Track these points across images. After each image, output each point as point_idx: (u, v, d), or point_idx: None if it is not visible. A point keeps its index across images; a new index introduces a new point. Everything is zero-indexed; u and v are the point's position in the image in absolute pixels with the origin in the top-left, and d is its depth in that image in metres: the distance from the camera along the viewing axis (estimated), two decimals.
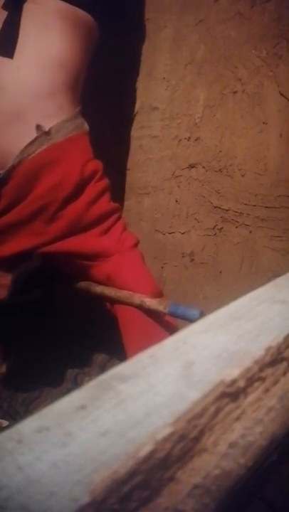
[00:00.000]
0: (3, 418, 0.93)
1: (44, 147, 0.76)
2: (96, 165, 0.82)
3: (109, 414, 0.20)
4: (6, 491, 0.16)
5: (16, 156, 0.75)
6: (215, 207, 0.89)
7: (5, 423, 0.91)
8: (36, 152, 0.76)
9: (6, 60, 0.76)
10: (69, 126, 0.79)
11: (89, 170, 0.80)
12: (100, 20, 0.83)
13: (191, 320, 0.70)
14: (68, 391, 0.24)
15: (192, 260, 0.95)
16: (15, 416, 0.92)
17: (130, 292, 0.79)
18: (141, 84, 0.99)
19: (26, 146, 0.75)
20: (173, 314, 0.74)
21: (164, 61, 0.94)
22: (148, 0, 0.94)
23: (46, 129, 0.76)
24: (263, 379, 0.24)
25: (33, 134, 0.76)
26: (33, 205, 0.78)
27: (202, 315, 0.69)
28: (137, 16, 0.95)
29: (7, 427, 0.38)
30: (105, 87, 1.02)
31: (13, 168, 0.75)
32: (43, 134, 0.76)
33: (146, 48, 0.96)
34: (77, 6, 0.78)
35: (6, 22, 0.77)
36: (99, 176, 0.82)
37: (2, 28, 0.76)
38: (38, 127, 0.75)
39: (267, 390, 0.24)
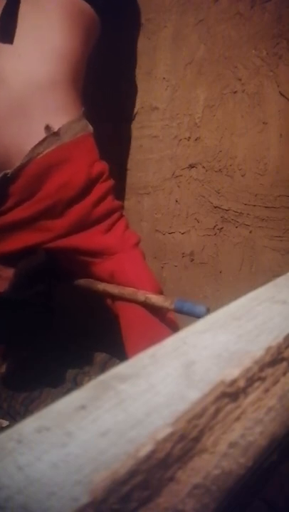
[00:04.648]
0: (3, 418, 0.93)
1: (53, 147, 0.76)
2: (102, 166, 0.82)
3: (109, 414, 0.20)
4: (6, 491, 0.16)
5: (24, 155, 0.75)
6: (215, 207, 0.89)
7: (5, 423, 0.91)
8: (45, 152, 0.75)
9: (6, 48, 0.74)
10: (76, 127, 0.79)
11: (96, 171, 0.80)
12: (101, 13, 0.82)
13: (198, 316, 0.69)
14: (68, 391, 0.24)
15: (192, 260, 0.95)
16: (15, 416, 0.92)
17: (134, 289, 0.78)
18: (141, 84, 0.99)
19: (35, 146, 0.75)
20: (179, 311, 0.73)
21: (164, 61, 0.94)
22: (148, 0, 0.94)
23: (55, 129, 0.76)
24: (263, 379, 0.24)
25: (40, 132, 0.75)
26: (40, 204, 0.78)
27: (208, 311, 0.69)
28: (137, 15, 0.95)
29: (7, 427, 0.38)
30: (105, 87, 1.02)
31: (22, 167, 0.75)
32: (51, 134, 0.76)
33: (146, 48, 0.96)
34: None
35: (5, 8, 0.75)
36: (105, 177, 0.82)
37: (1, 14, 0.75)
38: (47, 128, 0.75)
39: (267, 390, 0.24)
